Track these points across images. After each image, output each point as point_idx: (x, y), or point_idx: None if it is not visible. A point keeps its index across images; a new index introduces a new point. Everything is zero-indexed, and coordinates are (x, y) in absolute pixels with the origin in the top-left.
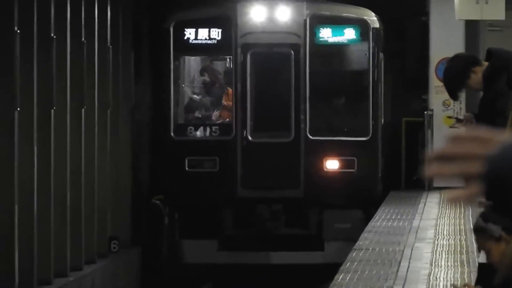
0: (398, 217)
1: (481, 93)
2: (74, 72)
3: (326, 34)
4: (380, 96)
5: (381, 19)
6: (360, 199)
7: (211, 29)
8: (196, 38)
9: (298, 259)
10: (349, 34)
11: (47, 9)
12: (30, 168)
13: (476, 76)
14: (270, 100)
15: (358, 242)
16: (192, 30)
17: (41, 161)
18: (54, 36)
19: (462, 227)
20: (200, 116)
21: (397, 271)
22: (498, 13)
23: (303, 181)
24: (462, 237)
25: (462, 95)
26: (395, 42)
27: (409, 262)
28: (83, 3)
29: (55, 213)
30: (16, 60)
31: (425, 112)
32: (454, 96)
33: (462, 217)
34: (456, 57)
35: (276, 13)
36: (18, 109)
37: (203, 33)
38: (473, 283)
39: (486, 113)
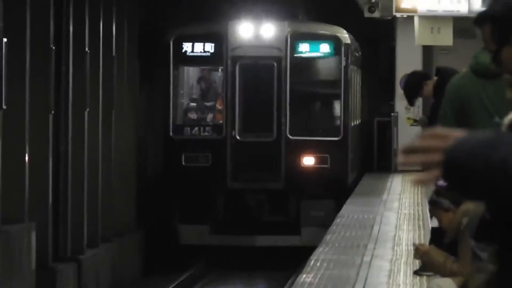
0: (372, 192)
1: (432, 101)
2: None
3: (304, 48)
4: (350, 101)
5: (360, 44)
6: (333, 190)
7: (206, 43)
8: (192, 51)
9: (279, 242)
10: (324, 48)
11: (110, 34)
12: (96, 149)
13: (428, 88)
14: (255, 105)
15: (341, 211)
16: (189, 44)
17: (105, 143)
18: (115, 55)
19: (419, 200)
20: (196, 118)
21: (371, 233)
22: (447, 40)
23: (283, 174)
24: (419, 207)
25: (419, 102)
26: (371, 61)
27: (379, 226)
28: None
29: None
30: (86, 74)
31: (392, 114)
32: (411, 102)
33: (419, 192)
34: (413, 73)
35: (261, 30)
36: (88, 109)
37: (198, 46)
38: (427, 243)
39: (436, 116)
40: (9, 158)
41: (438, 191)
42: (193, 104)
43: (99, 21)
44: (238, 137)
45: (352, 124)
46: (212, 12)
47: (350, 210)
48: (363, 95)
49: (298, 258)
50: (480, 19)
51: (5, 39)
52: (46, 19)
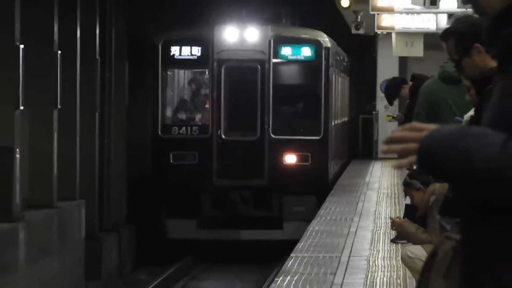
0: (357, 175)
1: (408, 101)
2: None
3: (286, 52)
4: (330, 102)
5: (348, 55)
6: (313, 187)
7: (193, 47)
8: (180, 54)
9: (263, 236)
10: (306, 52)
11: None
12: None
13: (405, 91)
14: (240, 106)
15: (331, 191)
16: (177, 48)
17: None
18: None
19: (395, 182)
20: (184, 118)
21: (356, 208)
22: (419, 52)
23: (267, 172)
24: (395, 187)
25: (396, 102)
26: (357, 69)
27: (363, 203)
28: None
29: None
30: (125, 79)
31: (373, 112)
32: (390, 102)
33: (395, 175)
34: (393, 78)
35: (245, 34)
36: (99, 111)
37: (186, 50)
38: (402, 217)
39: (411, 113)
40: (64, 149)
41: (411, 174)
42: (181, 104)
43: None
44: (223, 136)
45: (334, 123)
46: (198, 16)
47: (339, 189)
48: (351, 96)
49: (282, 252)
50: (445, 34)
51: (59, 51)
52: (92, 35)
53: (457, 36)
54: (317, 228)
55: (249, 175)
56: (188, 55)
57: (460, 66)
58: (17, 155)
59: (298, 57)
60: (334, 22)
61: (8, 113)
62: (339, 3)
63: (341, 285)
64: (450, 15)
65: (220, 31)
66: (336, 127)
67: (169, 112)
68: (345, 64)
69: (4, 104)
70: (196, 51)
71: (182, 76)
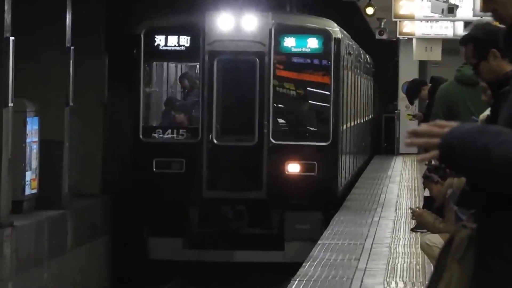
0: (379, 169)
1: (427, 101)
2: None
3: (290, 43)
4: (341, 103)
5: (373, 59)
6: (320, 201)
7: (180, 36)
8: (166, 45)
9: (260, 257)
10: (312, 43)
11: None
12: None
13: (424, 92)
14: (235, 105)
15: (356, 184)
16: (162, 37)
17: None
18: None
19: (415, 175)
20: (170, 119)
21: (378, 199)
22: (437, 56)
23: (265, 183)
24: (415, 181)
25: (416, 102)
26: (380, 72)
27: (385, 195)
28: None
29: None
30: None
31: (395, 111)
32: (411, 102)
33: (415, 170)
34: (413, 80)
35: (242, 22)
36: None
37: (172, 40)
38: (421, 208)
39: (430, 112)
40: (110, 140)
41: (430, 169)
42: (168, 103)
43: None
44: (215, 141)
45: (347, 126)
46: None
47: (363, 182)
48: (375, 97)
49: (282, 274)
50: (464, 40)
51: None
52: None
53: (475, 41)
54: (342, 217)
55: (245, 186)
56: (175, 46)
57: (478, 69)
58: (67, 149)
59: (303, 50)
60: (360, 28)
61: (59, 110)
62: (365, 11)
63: (365, 270)
64: (467, 23)
65: (212, 19)
66: (350, 130)
67: (152, 112)
68: (361, 60)
69: (55, 101)
70: (185, 41)
71: (168, 70)
